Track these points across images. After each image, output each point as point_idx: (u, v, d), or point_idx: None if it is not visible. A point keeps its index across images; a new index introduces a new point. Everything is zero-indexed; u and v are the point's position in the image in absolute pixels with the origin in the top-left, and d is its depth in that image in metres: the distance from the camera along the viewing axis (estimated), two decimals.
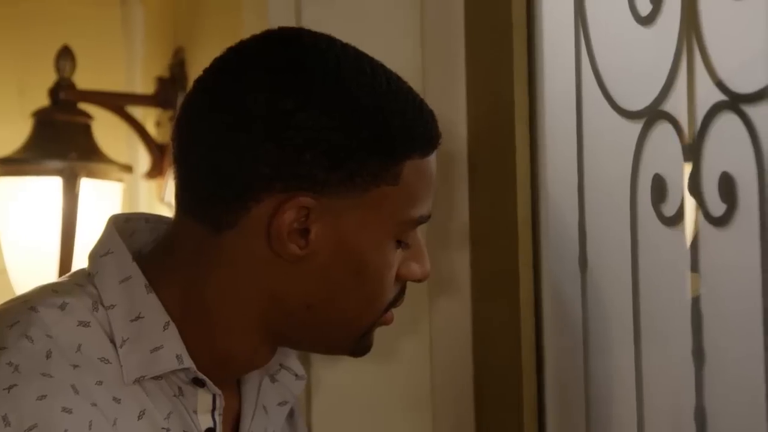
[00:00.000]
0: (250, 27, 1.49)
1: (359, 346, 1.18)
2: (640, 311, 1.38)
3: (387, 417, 1.68)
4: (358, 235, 1.12)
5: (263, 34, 1.16)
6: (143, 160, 2.35)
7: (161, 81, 2.27)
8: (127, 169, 2.28)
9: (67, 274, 1.21)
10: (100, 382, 1.10)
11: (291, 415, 1.27)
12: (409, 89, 1.13)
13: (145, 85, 2.43)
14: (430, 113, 1.14)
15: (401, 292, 1.17)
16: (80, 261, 2.03)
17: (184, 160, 1.14)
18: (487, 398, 1.64)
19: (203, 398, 1.14)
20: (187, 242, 1.14)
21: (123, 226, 1.17)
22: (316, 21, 1.60)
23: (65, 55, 2.24)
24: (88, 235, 2.11)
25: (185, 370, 1.12)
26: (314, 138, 1.08)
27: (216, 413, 1.15)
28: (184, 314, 1.13)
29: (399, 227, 1.13)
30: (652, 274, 1.37)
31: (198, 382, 1.13)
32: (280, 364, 1.22)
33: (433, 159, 1.14)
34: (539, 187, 1.56)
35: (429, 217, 1.15)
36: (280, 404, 1.23)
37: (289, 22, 1.63)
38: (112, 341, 1.12)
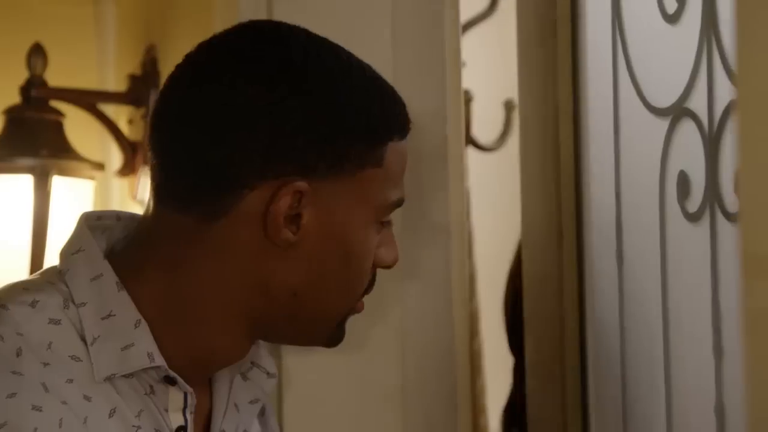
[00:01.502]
0: (221, 25, 1.49)
1: (335, 336, 1.19)
2: (668, 307, 1.41)
3: (358, 413, 1.68)
4: (347, 219, 1.14)
5: (239, 26, 1.18)
6: (115, 157, 2.34)
7: (133, 78, 2.27)
8: (99, 166, 2.28)
9: (38, 272, 1.21)
10: (70, 380, 1.10)
11: (262, 412, 1.28)
12: (381, 77, 1.18)
13: (117, 83, 2.42)
14: (401, 99, 1.19)
15: (373, 279, 1.19)
16: (52, 259, 2.03)
17: (167, 153, 1.15)
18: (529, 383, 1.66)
19: (174, 396, 1.15)
20: (168, 236, 1.14)
21: (94, 223, 1.17)
22: (287, 18, 1.60)
23: (37, 52, 2.23)
24: (60, 233, 2.10)
25: (156, 368, 1.12)
26: (304, 124, 1.11)
27: (187, 411, 1.15)
28: (160, 311, 1.13)
29: (381, 209, 1.16)
30: (678, 269, 1.40)
31: (169, 381, 1.13)
32: (252, 362, 1.22)
33: (405, 143, 1.18)
34: (582, 183, 1.58)
35: (403, 201, 1.18)
36: (251, 402, 1.23)
37: (260, 16, 1.63)
38: (83, 339, 1.11)
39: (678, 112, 1.37)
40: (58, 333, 1.11)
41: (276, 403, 1.62)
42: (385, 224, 1.18)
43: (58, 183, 2.16)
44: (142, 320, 1.12)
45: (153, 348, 1.12)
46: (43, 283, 1.14)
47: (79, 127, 2.31)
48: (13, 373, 1.08)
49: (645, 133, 1.45)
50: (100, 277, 1.13)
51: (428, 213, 1.68)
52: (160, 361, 1.12)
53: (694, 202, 1.34)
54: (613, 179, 1.51)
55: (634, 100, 1.47)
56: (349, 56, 1.17)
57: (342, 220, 1.14)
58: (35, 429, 1.07)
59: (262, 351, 1.23)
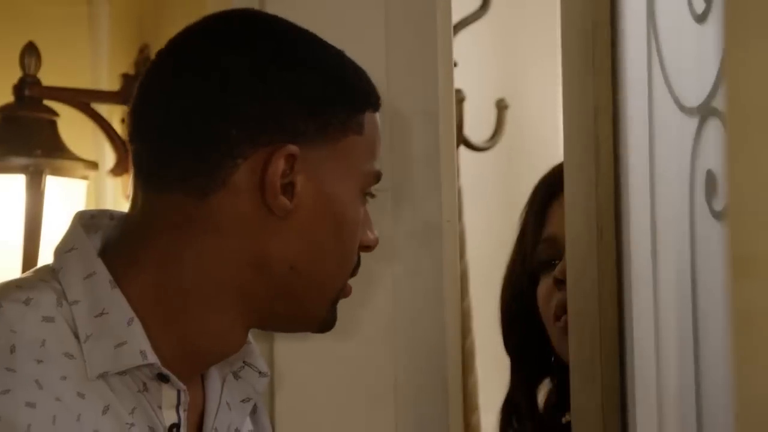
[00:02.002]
0: None
1: (328, 318, 1.21)
2: (697, 305, 1.42)
3: (350, 411, 1.69)
4: (336, 187, 1.17)
5: (218, 12, 1.22)
6: (109, 157, 2.34)
7: (127, 78, 2.27)
8: (93, 166, 2.28)
9: (32, 270, 1.21)
10: (64, 377, 1.10)
11: (254, 411, 1.28)
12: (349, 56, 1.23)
13: (111, 82, 2.43)
14: (369, 77, 1.23)
15: (358, 261, 1.21)
16: (45, 258, 2.03)
17: (153, 133, 1.16)
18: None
19: (168, 394, 1.15)
20: (160, 221, 1.15)
21: (88, 222, 1.18)
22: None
23: (30, 51, 2.23)
24: (54, 232, 2.10)
25: (149, 365, 1.12)
26: (292, 90, 1.15)
27: (180, 409, 1.15)
28: (154, 307, 1.14)
29: (364, 179, 1.19)
30: (706, 268, 1.41)
31: (162, 378, 1.13)
32: (244, 362, 1.23)
33: (379, 118, 1.22)
34: (621, 182, 1.60)
35: (381, 176, 1.22)
36: (243, 401, 1.23)
37: None
38: (77, 336, 1.12)
39: (706, 111, 1.39)
40: (52, 331, 1.11)
41: (268, 401, 1.63)
42: (367, 198, 1.21)
43: (52, 183, 2.16)
44: (135, 318, 1.13)
45: (146, 346, 1.12)
46: (36, 281, 1.14)
47: (72, 127, 2.31)
48: (7, 369, 1.08)
49: (676, 132, 1.47)
50: (93, 275, 1.14)
51: (421, 212, 1.69)
52: (152, 358, 1.12)
53: (720, 201, 1.36)
54: (648, 177, 1.53)
55: (666, 99, 1.49)
56: (320, 37, 1.22)
57: (332, 188, 1.16)
58: (29, 425, 1.07)
59: (254, 350, 1.24)
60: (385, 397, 1.69)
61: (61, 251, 1.16)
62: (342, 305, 1.65)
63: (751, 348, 0.77)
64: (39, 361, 1.09)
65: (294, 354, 1.66)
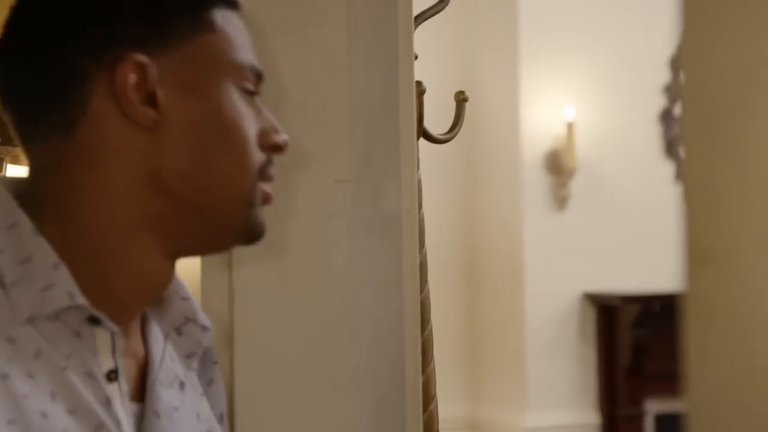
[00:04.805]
0: None
1: (250, 225, 1.19)
2: None
3: (310, 401, 1.69)
4: (202, 86, 1.16)
5: None
6: None
7: None
8: None
9: None
10: (5, 331, 1.09)
11: (210, 383, 1.29)
12: None
13: None
14: None
15: (268, 162, 1.21)
16: None
17: (7, 90, 1.17)
18: None
19: (102, 338, 1.14)
20: (46, 167, 1.15)
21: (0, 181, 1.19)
22: (243, 6, 1.61)
23: None
24: None
25: (79, 308, 1.13)
26: (121, 4, 1.15)
27: (117, 354, 1.15)
28: (73, 250, 1.14)
29: (233, 72, 1.18)
30: None
31: (94, 321, 1.13)
32: (185, 317, 1.24)
33: (239, 17, 1.23)
34: None
35: (260, 72, 1.21)
36: (188, 356, 1.25)
37: None
38: (1, 284, 1.11)
39: None
40: None
41: (228, 391, 1.64)
42: (251, 94, 1.20)
43: (12, 171, 2.16)
44: (60, 263, 1.13)
45: (73, 288, 1.12)
46: None
47: None
48: None
49: None
50: (15, 225, 1.13)
51: (380, 203, 1.70)
52: (81, 300, 1.12)
53: None
54: None
55: None
56: None
57: (199, 89, 1.16)
58: None
59: (195, 306, 1.25)
60: (344, 387, 1.70)
61: None
62: (301, 295, 1.67)
63: (706, 338, 0.79)
64: None
65: (253, 342, 1.66)
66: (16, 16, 1.17)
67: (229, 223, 1.19)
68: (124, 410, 1.15)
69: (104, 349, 1.15)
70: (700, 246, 0.74)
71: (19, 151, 2.21)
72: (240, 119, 1.18)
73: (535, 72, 6.79)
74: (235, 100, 1.18)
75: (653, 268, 6.73)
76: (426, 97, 2.13)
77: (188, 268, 1.36)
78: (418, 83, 1.93)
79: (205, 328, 1.25)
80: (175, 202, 1.15)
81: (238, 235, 1.20)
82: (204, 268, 1.68)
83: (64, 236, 1.14)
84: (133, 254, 1.16)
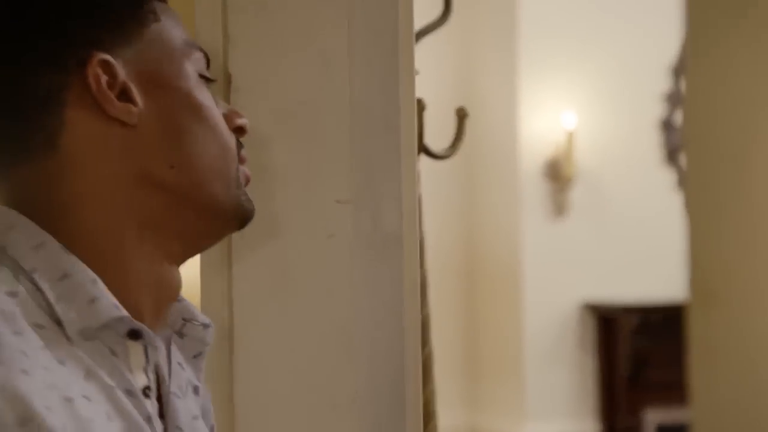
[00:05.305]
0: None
1: (243, 206, 1.21)
2: None
3: (309, 422, 1.69)
4: (164, 74, 1.17)
5: None
6: None
7: None
8: None
9: None
10: (42, 347, 1.07)
11: (196, 392, 1.27)
12: None
13: None
14: None
15: (240, 146, 1.22)
16: None
17: None
18: None
19: (135, 354, 1.14)
20: (34, 190, 1.13)
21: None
22: (242, 27, 1.60)
23: None
24: None
25: (122, 320, 1.11)
26: (67, 10, 1.14)
27: (149, 369, 1.15)
28: (93, 269, 1.12)
29: (188, 55, 1.19)
30: None
31: (133, 335, 1.12)
32: (183, 319, 1.23)
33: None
34: None
35: (200, 48, 1.22)
36: (195, 356, 1.25)
37: (215, 27, 1.63)
38: (45, 306, 1.10)
39: None
40: (19, 303, 1.09)
41: (228, 414, 1.63)
42: (208, 81, 1.21)
43: None
44: (97, 278, 1.11)
45: (115, 300, 1.11)
46: None
47: None
48: None
49: None
50: (43, 244, 1.12)
51: (381, 224, 1.69)
52: (124, 312, 1.11)
53: None
54: None
55: None
56: None
57: (163, 77, 1.16)
58: (29, 392, 1.04)
59: (190, 306, 1.24)
60: (344, 409, 1.69)
61: None
62: (301, 316, 1.65)
63: (711, 381, 0.78)
64: (16, 333, 1.06)
65: (253, 364, 1.65)
66: None
67: (223, 208, 1.19)
68: (157, 428, 1.14)
69: (137, 364, 1.14)
70: (705, 288, 0.73)
71: None
72: (209, 101, 1.19)
73: (534, 79, 6.78)
74: (195, 84, 1.19)
75: (653, 276, 6.72)
76: (426, 113, 2.12)
77: (186, 287, 1.35)
78: (419, 101, 1.92)
79: (206, 325, 1.24)
80: (169, 196, 1.15)
81: (233, 218, 1.21)
82: (203, 287, 1.67)
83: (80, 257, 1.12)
84: (140, 263, 1.15)
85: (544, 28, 6.79)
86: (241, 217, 1.21)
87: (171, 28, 1.20)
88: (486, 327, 7.01)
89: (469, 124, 2.18)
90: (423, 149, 2.05)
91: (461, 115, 2.17)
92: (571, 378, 6.80)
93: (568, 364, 6.80)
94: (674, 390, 5.83)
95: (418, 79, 1.84)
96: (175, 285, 1.19)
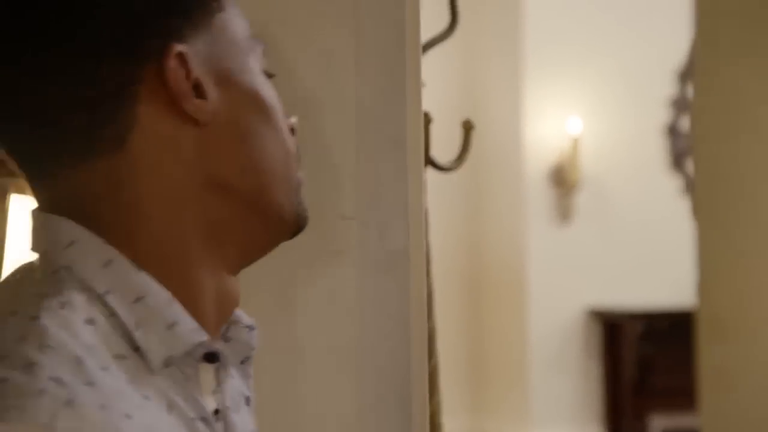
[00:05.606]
0: None
1: (301, 213, 1.12)
2: None
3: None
4: (232, 69, 1.07)
5: None
6: None
7: None
8: None
9: (14, 278, 1.05)
10: (128, 381, 0.98)
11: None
12: None
13: None
14: None
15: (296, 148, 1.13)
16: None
17: (30, 118, 1.02)
18: None
19: (206, 377, 1.05)
20: (96, 193, 1.02)
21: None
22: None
23: None
24: (17, 251, 2.09)
25: (201, 345, 1.03)
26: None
27: (219, 391, 1.06)
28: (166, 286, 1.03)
29: (252, 48, 1.10)
30: None
31: (208, 358, 1.04)
32: (228, 320, 1.13)
33: None
34: None
35: (262, 42, 1.13)
36: (242, 362, 1.14)
37: None
38: (122, 332, 0.99)
39: None
40: (97, 332, 0.98)
41: None
42: (269, 77, 1.12)
43: (17, 201, 2.14)
44: (172, 298, 1.02)
45: (194, 323, 1.02)
46: (49, 282, 1.00)
47: None
48: (88, 384, 0.94)
49: None
50: (111, 261, 1.01)
51: (387, 240, 1.69)
52: (205, 335, 1.03)
53: None
54: None
55: None
56: None
57: (231, 72, 1.07)
58: None
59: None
60: (350, 425, 1.69)
61: (57, 248, 1.02)
62: (308, 332, 1.65)
63: (719, 404, 0.78)
64: (104, 369, 0.96)
65: (259, 380, 1.65)
66: (17, 29, 1.02)
67: (285, 216, 1.11)
68: None
69: (207, 387, 1.06)
70: (715, 320, 0.73)
71: (24, 182, 2.20)
72: (275, 100, 1.11)
73: (539, 85, 6.78)
74: (262, 78, 1.10)
75: (658, 282, 6.72)
76: (432, 126, 2.12)
77: None
78: (425, 114, 1.92)
79: (250, 328, 1.14)
80: (237, 202, 1.06)
81: (292, 227, 1.12)
82: None
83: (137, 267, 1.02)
84: (205, 275, 1.05)
85: (550, 34, 6.79)
86: (298, 225, 1.12)
87: (235, 20, 1.10)
88: (491, 333, 7.00)
89: (475, 132, 2.18)
90: (429, 162, 2.05)
91: (467, 128, 2.17)
92: (576, 384, 6.80)
93: (574, 370, 6.80)
94: (680, 396, 5.83)
95: (423, 91, 1.84)
96: (236, 296, 1.10)
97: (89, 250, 1.01)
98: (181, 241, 1.04)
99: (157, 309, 1.01)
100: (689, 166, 6.88)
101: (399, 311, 1.69)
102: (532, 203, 6.81)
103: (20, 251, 2.07)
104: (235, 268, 1.10)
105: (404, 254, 1.69)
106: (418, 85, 1.77)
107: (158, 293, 1.01)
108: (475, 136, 2.21)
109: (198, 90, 1.04)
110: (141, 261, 1.02)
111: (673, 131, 7.06)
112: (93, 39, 1.01)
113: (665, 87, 7.03)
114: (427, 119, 1.97)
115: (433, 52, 2.06)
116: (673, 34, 6.67)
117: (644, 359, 6.63)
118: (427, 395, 1.80)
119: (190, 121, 1.03)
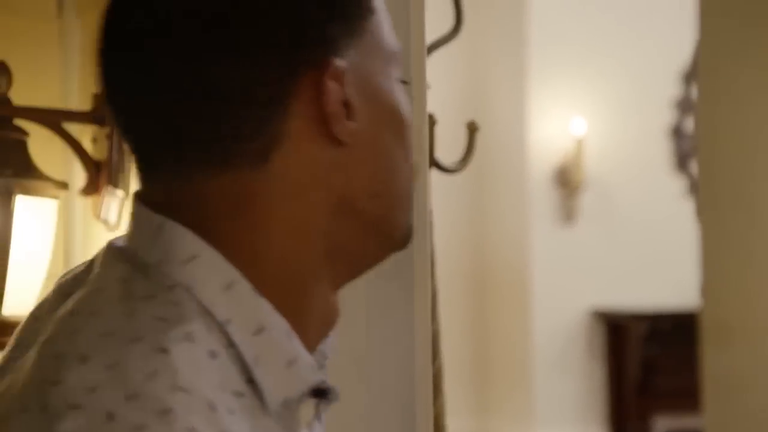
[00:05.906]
0: None
1: (409, 231, 1.04)
2: None
3: None
4: (377, 82, 0.98)
5: None
6: (78, 177, 2.33)
7: (98, 98, 2.26)
8: (63, 185, 2.26)
9: (101, 278, 0.96)
10: (254, 426, 0.90)
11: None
12: None
13: (81, 101, 2.41)
14: None
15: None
16: (14, 278, 2.02)
17: (163, 114, 0.93)
18: None
19: (305, 410, 0.99)
20: (222, 209, 0.93)
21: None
22: None
23: (1, 70, 2.21)
24: (23, 252, 2.09)
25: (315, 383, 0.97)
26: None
27: (315, 422, 1.01)
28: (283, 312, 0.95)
29: (395, 58, 1.02)
30: None
31: (319, 393, 0.98)
32: None
33: None
34: None
35: (401, 54, 1.05)
36: (320, 367, 1.05)
37: None
38: (239, 366, 0.91)
39: None
40: (220, 368, 0.89)
41: None
42: (405, 84, 1.03)
43: (21, 202, 2.14)
44: (290, 329, 0.94)
45: (311, 358, 0.95)
46: (166, 301, 0.90)
47: (42, 146, 2.30)
48: None
49: None
50: (233, 284, 0.92)
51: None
52: (320, 373, 0.97)
53: None
54: None
55: None
56: None
57: (376, 85, 0.98)
58: None
59: None
60: (355, 423, 1.69)
61: (174, 260, 0.92)
62: None
63: (723, 410, 0.78)
64: (231, 413, 0.87)
65: None
66: (170, 25, 0.93)
67: (397, 235, 1.03)
68: None
69: (306, 418, 0.99)
70: (719, 323, 0.73)
71: (31, 183, 2.20)
72: (409, 113, 1.02)
73: (543, 86, 6.79)
74: (400, 90, 1.01)
75: (662, 283, 6.72)
76: (437, 127, 2.12)
77: None
78: (430, 116, 1.92)
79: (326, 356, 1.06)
80: (360, 225, 0.98)
81: (404, 243, 1.05)
82: None
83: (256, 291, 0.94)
84: (317, 298, 0.98)
85: (554, 35, 6.79)
86: (403, 243, 1.05)
87: (384, 21, 1.00)
88: (495, 334, 7.01)
89: (479, 134, 2.18)
90: (434, 163, 2.05)
91: (472, 129, 2.17)
92: (580, 385, 6.80)
93: (578, 371, 6.80)
94: (683, 397, 5.83)
95: (428, 92, 1.84)
96: (338, 312, 1.02)
97: (211, 269, 0.92)
98: (303, 266, 0.96)
99: (278, 343, 0.93)
100: (693, 167, 6.88)
101: (403, 313, 1.70)
102: (536, 204, 6.81)
103: (25, 252, 2.07)
104: (342, 285, 1.02)
105: (408, 258, 1.70)
106: (423, 86, 1.77)
107: (278, 325, 0.93)
108: (480, 138, 2.22)
109: (348, 110, 0.95)
110: (260, 285, 0.93)
111: (677, 132, 7.06)
112: (254, 39, 0.92)
113: (669, 88, 7.03)
114: (432, 121, 1.97)
115: (437, 54, 2.06)
116: (677, 35, 6.67)
117: (648, 360, 6.63)
118: (432, 397, 1.80)
119: (334, 142, 0.95)
